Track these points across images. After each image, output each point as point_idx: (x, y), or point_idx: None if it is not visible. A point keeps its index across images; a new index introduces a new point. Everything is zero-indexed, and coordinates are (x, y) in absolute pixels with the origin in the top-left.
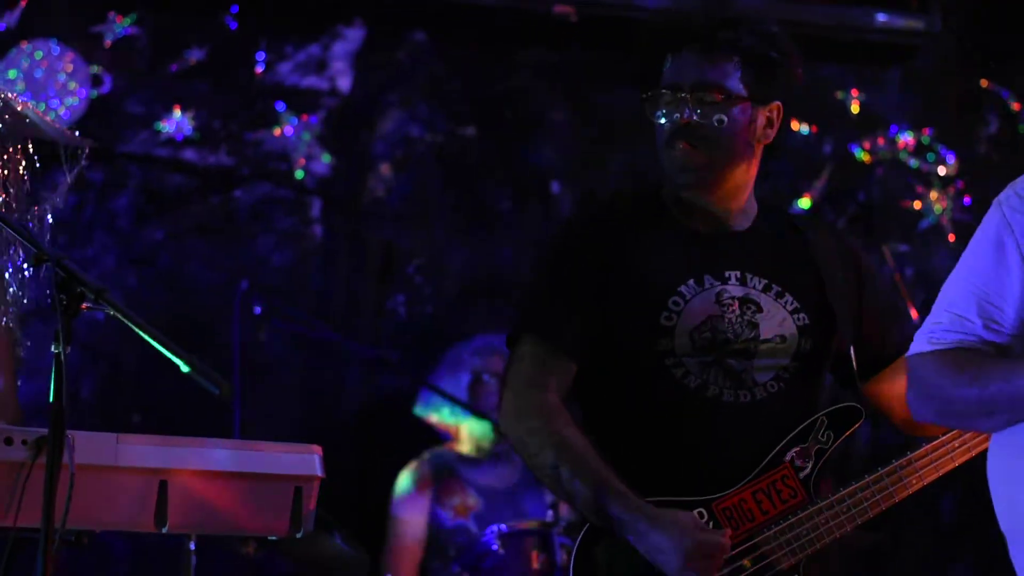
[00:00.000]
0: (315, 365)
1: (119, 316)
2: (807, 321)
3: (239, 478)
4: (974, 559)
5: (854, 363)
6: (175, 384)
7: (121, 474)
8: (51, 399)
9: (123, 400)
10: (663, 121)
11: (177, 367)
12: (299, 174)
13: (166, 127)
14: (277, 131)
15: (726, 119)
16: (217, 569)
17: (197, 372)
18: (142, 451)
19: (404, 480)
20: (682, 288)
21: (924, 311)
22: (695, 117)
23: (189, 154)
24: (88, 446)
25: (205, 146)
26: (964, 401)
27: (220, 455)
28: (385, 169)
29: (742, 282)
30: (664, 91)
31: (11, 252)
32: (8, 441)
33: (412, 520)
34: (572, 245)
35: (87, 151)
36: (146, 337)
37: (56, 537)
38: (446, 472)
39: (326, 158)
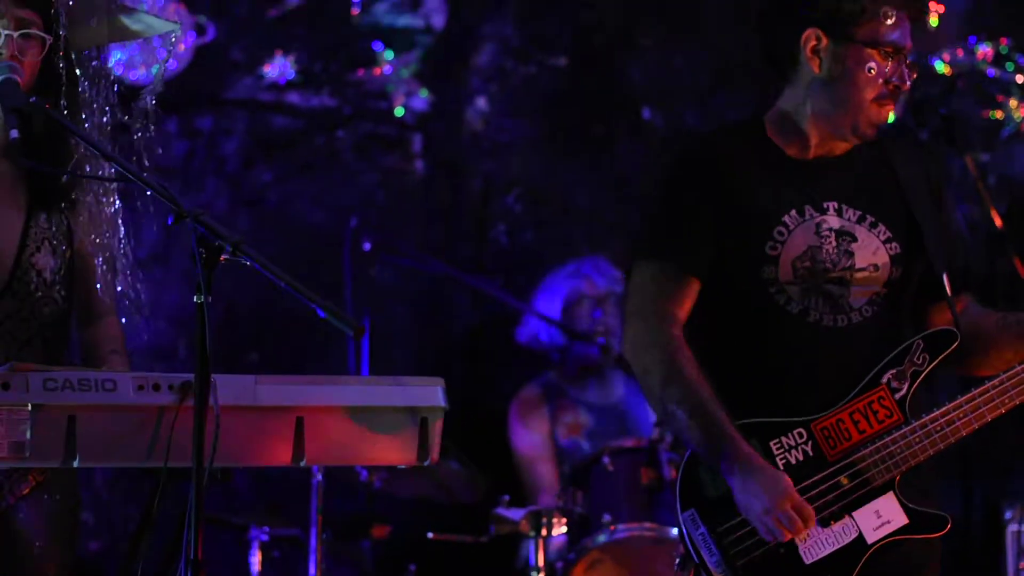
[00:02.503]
0: (424, 297)
1: (256, 265)
2: (899, 250)
3: (369, 412)
4: None
5: (947, 288)
6: (288, 322)
7: (261, 413)
8: (196, 346)
9: (240, 339)
10: (875, 75)
11: (295, 306)
12: (399, 111)
13: (269, 72)
14: (376, 70)
15: None
16: (341, 496)
17: (332, 315)
18: (279, 390)
19: (516, 413)
20: (785, 218)
21: (1007, 219)
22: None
23: (292, 97)
24: (229, 388)
25: (307, 88)
26: None
27: (351, 391)
28: (482, 102)
29: (839, 213)
30: (888, 48)
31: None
32: (156, 387)
33: (537, 455)
34: (686, 178)
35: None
36: (281, 285)
37: (205, 475)
38: (556, 393)
39: (424, 94)
